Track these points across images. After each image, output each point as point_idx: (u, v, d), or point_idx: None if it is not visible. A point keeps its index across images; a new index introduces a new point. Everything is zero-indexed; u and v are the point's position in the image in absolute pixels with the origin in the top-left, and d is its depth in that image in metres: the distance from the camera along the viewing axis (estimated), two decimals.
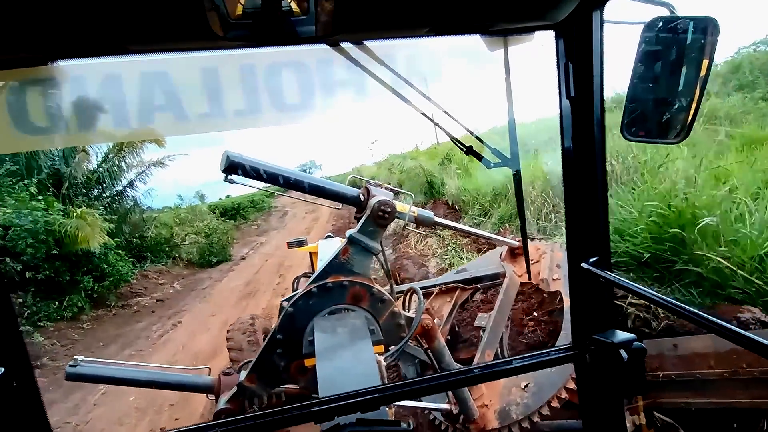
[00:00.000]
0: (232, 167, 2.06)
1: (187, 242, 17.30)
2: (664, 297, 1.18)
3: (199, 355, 7.58)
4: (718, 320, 1.03)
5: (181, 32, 1.02)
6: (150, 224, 16.04)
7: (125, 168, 14.77)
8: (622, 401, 1.52)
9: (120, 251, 12.57)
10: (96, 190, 14.23)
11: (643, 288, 1.25)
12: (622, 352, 1.32)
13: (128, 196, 15.13)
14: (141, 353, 8.26)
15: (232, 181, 2.09)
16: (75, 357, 2.28)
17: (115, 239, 12.08)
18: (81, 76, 1.12)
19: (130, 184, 15.14)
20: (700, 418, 2.90)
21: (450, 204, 12.01)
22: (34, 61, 1.05)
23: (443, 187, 13.17)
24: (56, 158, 12.54)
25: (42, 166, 11.69)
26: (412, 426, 1.17)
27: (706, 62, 1.11)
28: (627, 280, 1.32)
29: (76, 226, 10.03)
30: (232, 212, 27.76)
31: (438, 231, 9.24)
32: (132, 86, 1.15)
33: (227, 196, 32.76)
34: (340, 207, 2.48)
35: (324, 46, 1.20)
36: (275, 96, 1.24)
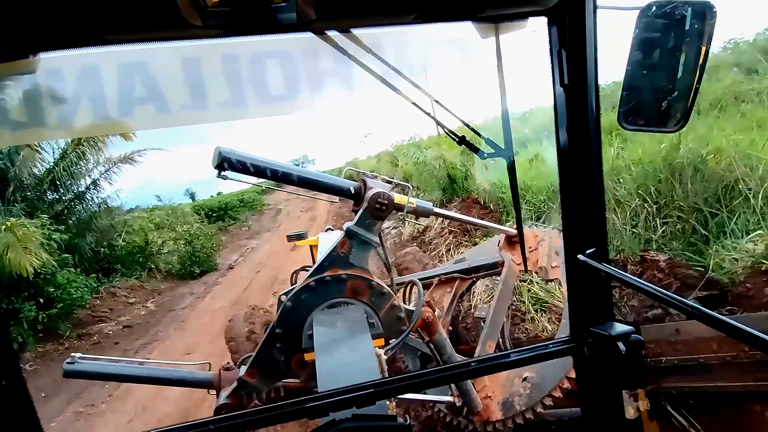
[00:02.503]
0: (225, 162, 2.05)
1: (165, 250, 15.15)
2: (660, 289, 1.17)
3: (163, 422, 5.22)
4: (714, 313, 1.01)
5: (157, 21, 1.00)
6: (121, 230, 13.99)
7: (86, 166, 12.67)
8: (620, 393, 1.51)
9: (71, 269, 10.26)
10: (50, 193, 12.14)
11: (638, 280, 1.24)
12: (620, 345, 1.30)
13: (92, 198, 12.95)
14: (89, 414, 5.97)
15: (225, 177, 2.08)
16: (72, 354, 2.29)
17: (66, 254, 10.12)
18: (59, 68, 1.10)
19: (94, 185, 12.98)
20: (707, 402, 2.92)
21: (483, 203, 9.86)
22: (11, 56, 1.03)
23: (468, 181, 10.91)
24: (1, 156, 10.54)
25: None
26: (408, 421, 1.16)
27: (704, 48, 1.08)
28: (623, 272, 1.30)
29: (5, 243, 7.95)
30: (219, 212, 25.63)
31: (474, 239, 8.04)
32: (112, 78, 1.12)
33: (219, 194, 31.14)
34: (336, 200, 2.46)
35: (310, 36, 1.16)
36: (260, 87, 1.22)
